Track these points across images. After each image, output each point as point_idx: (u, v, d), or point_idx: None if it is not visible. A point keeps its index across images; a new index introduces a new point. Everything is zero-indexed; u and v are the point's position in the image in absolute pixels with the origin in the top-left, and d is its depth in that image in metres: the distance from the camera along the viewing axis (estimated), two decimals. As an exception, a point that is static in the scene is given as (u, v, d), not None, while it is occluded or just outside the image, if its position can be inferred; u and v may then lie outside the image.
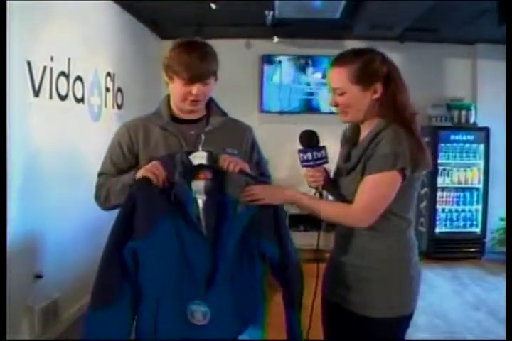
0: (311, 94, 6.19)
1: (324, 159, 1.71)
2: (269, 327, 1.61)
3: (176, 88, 1.82)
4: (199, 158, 1.62)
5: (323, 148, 1.72)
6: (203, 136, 1.85)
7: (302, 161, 1.72)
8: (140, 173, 1.62)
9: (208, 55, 1.80)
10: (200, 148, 1.78)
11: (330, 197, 1.80)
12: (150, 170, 1.59)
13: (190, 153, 1.64)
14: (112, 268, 1.51)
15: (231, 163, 1.64)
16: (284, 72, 6.18)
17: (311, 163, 1.71)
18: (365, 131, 1.72)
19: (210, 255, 1.52)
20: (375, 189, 1.59)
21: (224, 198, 1.57)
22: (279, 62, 6.15)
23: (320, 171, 1.74)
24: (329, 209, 1.65)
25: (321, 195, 1.74)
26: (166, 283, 1.51)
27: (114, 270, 1.50)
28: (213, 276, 1.52)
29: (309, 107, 6.19)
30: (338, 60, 1.67)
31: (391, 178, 1.59)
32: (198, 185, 1.60)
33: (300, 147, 1.75)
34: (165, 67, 1.83)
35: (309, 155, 1.69)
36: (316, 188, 1.73)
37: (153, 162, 1.63)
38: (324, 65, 6.08)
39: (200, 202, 1.59)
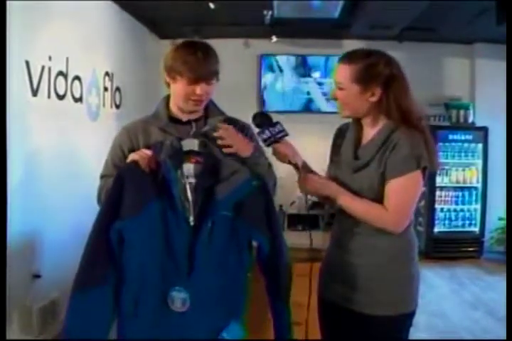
0: (310, 93, 6.19)
1: (283, 132, 1.72)
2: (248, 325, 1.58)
3: (179, 88, 1.82)
4: (190, 144, 1.62)
5: (278, 122, 1.73)
6: (193, 124, 1.87)
7: (264, 141, 1.72)
8: (129, 158, 1.64)
9: (210, 56, 1.82)
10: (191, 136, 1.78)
11: None
12: (137, 153, 1.62)
13: (182, 139, 1.64)
14: (98, 249, 1.51)
15: (231, 140, 1.66)
16: (282, 72, 6.18)
17: (273, 139, 1.71)
18: (370, 129, 1.74)
19: (192, 240, 1.50)
20: (403, 192, 1.63)
21: (215, 183, 1.56)
22: (277, 61, 6.16)
23: (286, 144, 1.73)
24: (366, 211, 1.66)
25: (297, 168, 1.74)
26: (149, 267, 1.50)
27: (101, 250, 1.50)
28: (194, 263, 1.49)
29: (308, 107, 6.20)
30: (347, 57, 1.71)
31: (416, 179, 1.63)
32: (189, 167, 1.59)
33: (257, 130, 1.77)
34: (167, 69, 1.83)
35: (267, 132, 1.71)
36: (290, 162, 1.73)
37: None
38: (323, 65, 6.10)
39: (188, 185, 1.57)
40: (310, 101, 6.21)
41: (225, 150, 1.70)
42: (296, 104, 6.21)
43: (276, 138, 1.71)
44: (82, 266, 1.53)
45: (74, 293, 1.51)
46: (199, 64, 1.76)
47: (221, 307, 1.52)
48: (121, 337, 1.56)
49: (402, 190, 1.63)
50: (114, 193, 1.53)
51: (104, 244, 1.50)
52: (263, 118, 1.75)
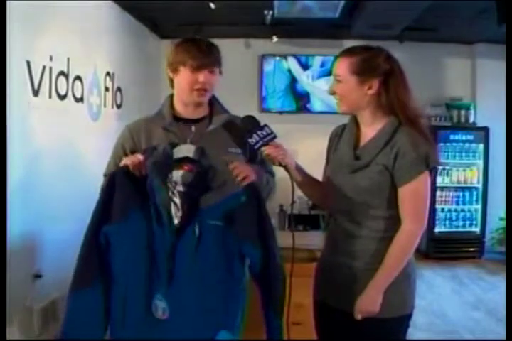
0: (309, 93, 6.18)
1: (271, 134, 1.71)
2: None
3: (182, 78, 1.83)
4: (185, 151, 1.62)
5: (265, 125, 1.73)
6: (193, 128, 1.86)
7: (254, 145, 1.70)
8: (121, 162, 1.65)
9: (212, 46, 1.87)
10: (188, 141, 1.78)
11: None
12: (129, 157, 1.62)
13: (176, 145, 1.64)
14: (89, 251, 1.54)
15: (241, 173, 1.63)
16: (282, 72, 6.18)
17: (261, 143, 1.70)
18: (368, 128, 1.74)
19: (174, 249, 1.50)
20: (417, 195, 1.65)
21: (204, 192, 1.55)
22: (279, 62, 6.16)
23: (275, 146, 1.71)
24: (397, 257, 1.65)
25: (287, 169, 1.72)
26: (134, 273, 1.51)
27: (91, 252, 1.53)
28: (173, 272, 1.50)
29: (308, 107, 6.20)
30: (347, 51, 1.74)
31: (426, 179, 1.66)
32: (179, 175, 1.59)
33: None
34: (170, 63, 1.85)
35: (255, 136, 1.70)
36: (280, 164, 1.71)
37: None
38: (323, 65, 6.10)
39: (177, 193, 1.56)
40: (310, 101, 6.20)
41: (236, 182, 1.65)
42: (296, 105, 6.21)
43: (265, 142, 1.69)
44: (76, 267, 1.55)
45: (69, 293, 1.55)
46: (201, 52, 1.80)
47: (204, 317, 1.51)
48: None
49: (415, 193, 1.65)
50: (105, 196, 1.55)
51: (94, 246, 1.53)
52: (250, 122, 1.74)
